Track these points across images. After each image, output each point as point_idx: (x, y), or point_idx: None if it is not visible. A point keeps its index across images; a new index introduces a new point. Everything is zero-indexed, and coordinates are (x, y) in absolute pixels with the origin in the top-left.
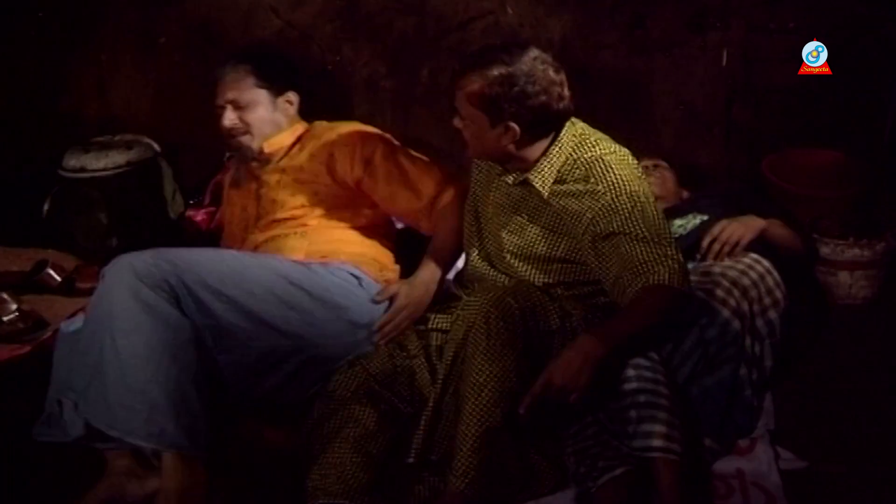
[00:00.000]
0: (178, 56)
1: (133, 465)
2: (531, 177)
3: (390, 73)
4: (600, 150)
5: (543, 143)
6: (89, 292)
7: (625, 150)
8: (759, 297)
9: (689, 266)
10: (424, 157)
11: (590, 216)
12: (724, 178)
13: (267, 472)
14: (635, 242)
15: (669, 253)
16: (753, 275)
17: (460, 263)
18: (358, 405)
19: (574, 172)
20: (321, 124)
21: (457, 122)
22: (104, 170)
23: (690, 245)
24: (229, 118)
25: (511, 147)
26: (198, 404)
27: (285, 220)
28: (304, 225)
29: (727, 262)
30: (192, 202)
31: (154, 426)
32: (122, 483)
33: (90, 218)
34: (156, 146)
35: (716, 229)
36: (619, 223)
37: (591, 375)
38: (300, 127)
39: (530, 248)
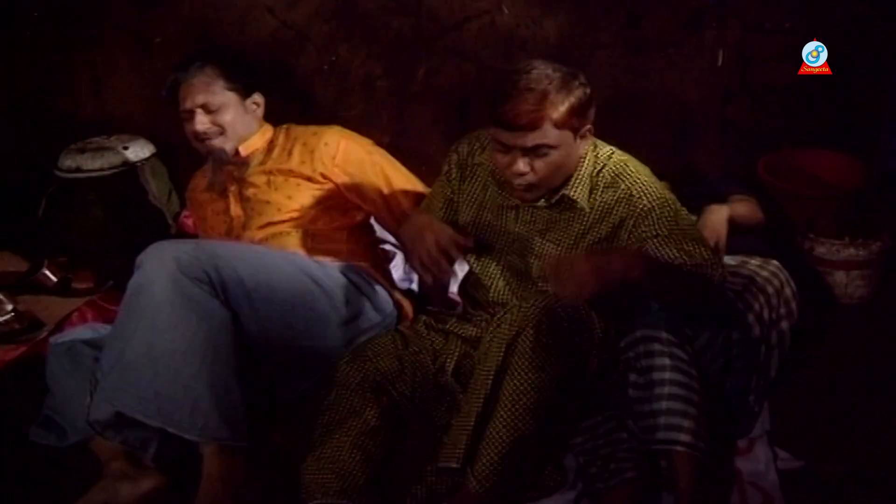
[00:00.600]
0: (174, 56)
1: (126, 467)
2: (570, 193)
3: (386, 73)
4: (618, 155)
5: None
6: (85, 293)
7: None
8: (777, 306)
9: None
10: (406, 172)
11: (631, 222)
12: None
13: (266, 472)
14: (680, 243)
15: (712, 257)
16: (776, 282)
17: (461, 273)
18: (361, 398)
19: (601, 179)
20: (299, 128)
21: (526, 163)
22: (100, 170)
23: None
24: (202, 122)
25: (581, 155)
26: (238, 396)
27: (283, 221)
28: (304, 224)
29: (756, 261)
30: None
31: (198, 419)
32: (116, 486)
33: (86, 218)
34: (152, 146)
35: None
36: (661, 226)
37: (613, 282)
38: (268, 129)
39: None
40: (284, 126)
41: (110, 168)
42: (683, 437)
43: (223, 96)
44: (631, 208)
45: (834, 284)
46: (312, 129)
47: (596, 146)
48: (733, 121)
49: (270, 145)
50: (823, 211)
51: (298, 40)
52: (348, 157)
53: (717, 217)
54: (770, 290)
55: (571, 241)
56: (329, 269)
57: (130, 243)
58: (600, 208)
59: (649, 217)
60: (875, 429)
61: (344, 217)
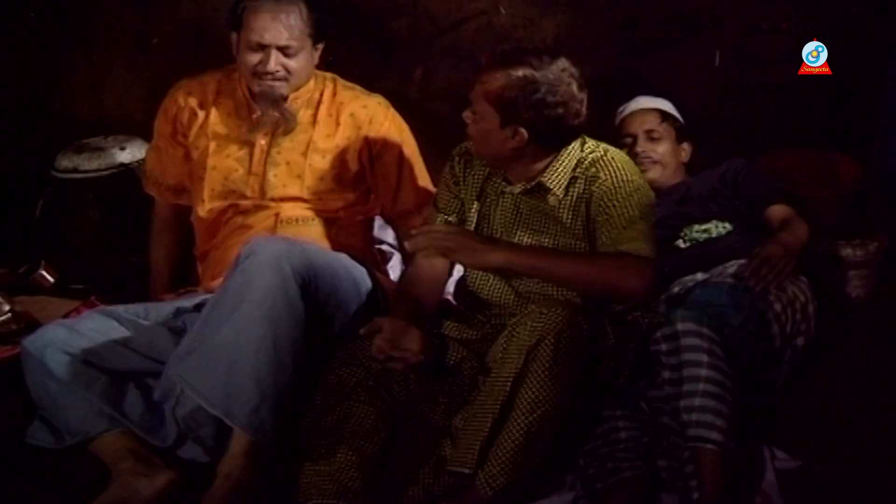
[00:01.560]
0: (171, 56)
1: (137, 465)
2: (544, 179)
3: (383, 73)
4: (604, 148)
5: (547, 155)
6: (83, 293)
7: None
8: (799, 321)
9: (731, 269)
10: (423, 168)
11: (593, 202)
12: None
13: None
14: (616, 228)
15: (646, 250)
16: (802, 298)
17: (457, 274)
18: (356, 401)
19: (582, 171)
20: (346, 89)
21: (466, 115)
22: (97, 170)
23: (720, 252)
24: (277, 63)
25: (514, 152)
26: (289, 403)
27: (306, 201)
28: (329, 213)
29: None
30: None
31: (257, 417)
32: (133, 483)
33: (83, 219)
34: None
35: (763, 253)
36: (610, 206)
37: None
38: (320, 77)
39: None
40: (329, 76)
41: (107, 168)
42: (716, 437)
43: (302, 41)
44: (594, 187)
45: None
46: (361, 98)
47: (585, 142)
48: (731, 121)
49: (317, 100)
50: (821, 211)
51: None
52: (387, 139)
53: (791, 241)
54: (797, 305)
55: (546, 231)
56: (362, 273)
57: (127, 244)
58: (574, 198)
59: (605, 196)
60: (873, 429)
61: (363, 208)
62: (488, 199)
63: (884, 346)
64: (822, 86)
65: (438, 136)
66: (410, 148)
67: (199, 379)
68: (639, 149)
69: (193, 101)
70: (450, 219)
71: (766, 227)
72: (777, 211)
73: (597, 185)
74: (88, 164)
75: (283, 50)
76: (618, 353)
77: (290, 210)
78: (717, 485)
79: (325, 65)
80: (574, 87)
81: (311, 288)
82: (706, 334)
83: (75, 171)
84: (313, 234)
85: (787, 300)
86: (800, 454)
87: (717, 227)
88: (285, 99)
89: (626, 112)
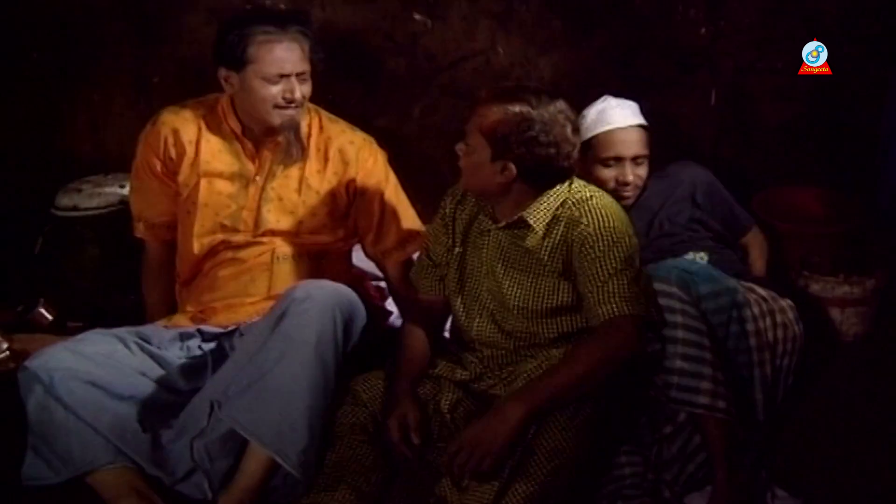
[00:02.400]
0: (171, 95)
1: (139, 501)
2: (526, 214)
3: (382, 111)
4: (591, 191)
5: (534, 194)
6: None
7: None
8: (781, 339)
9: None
10: (406, 206)
11: (573, 247)
12: None
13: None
14: (606, 274)
15: (634, 294)
16: (791, 315)
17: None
18: (357, 440)
19: (565, 212)
20: (331, 123)
21: (459, 147)
22: (96, 208)
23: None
24: (301, 90)
25: (501, 187)
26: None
27: (297, 234)
28: (320, 245)
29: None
30: None
31: (305, 457)
32: None
33: (82, 256)
34: None
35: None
36: (589, 255)
37: (509, 439)
38: (305, 108)
39: (535, 300)
40: (312, 107)
41: (106, 207)
42: (702, 399)
43: (309, 66)
44: (574, 232)
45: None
46: (348, 133)
47: (573, 183)
48: (726, 158)
49: (307, 133)
50: (817, 248)
51: None
52: (372, 176)
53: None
54: (778, 317)
55: (528, 269)
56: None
57: (126, 282)
58: (556, 240)
59: (585, 243)
60: (871, 466)
61: (352, 241)
62: (472, 239)
63: (883, 383)
64: (818, 123)
65: (435, 174)
66: (394, 186)
67: (252, 418)
68: (629, 177)
69: (181, 138)
70: (432, 255)
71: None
72: (752, 238)
73: (578, 230)
74: (88, 202)
75: (300, 76)
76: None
77: (283, 246)
78: (723, 448)
79: (324, 102)
80: (568, 129)
81: (348, 332)
82: (676, 294)
83: (75, 209)
84: (308, 270)
85: (767, 308)
86: (800, 492)
87: (700, 257)
88: (300, 127)
89: (607, 127)
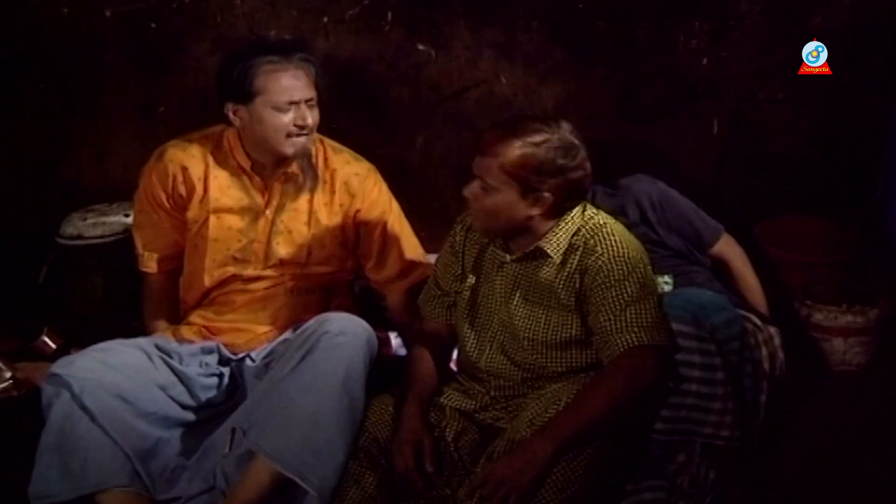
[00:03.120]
0: (176, 125)
1: None
2: (542, 244)
3: (385, 140)
4: (604, 218)
5: (555, 220)
6: None
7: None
8: (771, 366)
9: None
10: (409, 234)
11: (587, 276)
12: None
13: None
14: (622, 304)
15: (655, 322)
16: (777, 341)
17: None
18: (360, 466)
19: (579, 239)
20: (335, 153)
21: (472, 190)
22: (101, 237)
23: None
24: (313, 116)
25: (529, 221)
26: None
27: (307, 266)
28: (328, 274)
29: (757, 320)
30: None
31: (327, 482)
32: None
33: (86, 285)
34: None
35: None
36: (605, 286)
37: (536, 477)
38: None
39: (546, 331)
40: (317, 136)
41: (111, 235)
42: (707, 430)
43: (315, 93)
44: (589, 261)
45: (832, 351)
46: (352, 164)
47: (585, 208)
48: (729, 188)
49: (315, 164)
50: (820, 278)
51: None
52: (376, 206)
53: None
54: (771, 345)
55: (542, 301)
56: None
57: (130, 310)
58: (571, 269)
59: (601, 272)
60: (874, 496)
61: (351, 276)
62: (485, 271)
63: (885, 412)
64: (820, 153)
65: (439, 202)
66: (397, 215)
67: (276, 444)
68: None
69: (190, 175)
70: (441, 283)
71: (714, 262)
72: (724, 248)
73: (593, 258)
74: (93, 230)
75: (308, 102)
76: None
77: (294, 281)
78: (734, 476)
79: (328, 131)
80: (583, 148)
81: (371, 367)
82: (693, 333)
83: (79, 237)
84: (318, 302)
85: (762, 338)
86: None
87: (664, 282)
88: (311, 154)
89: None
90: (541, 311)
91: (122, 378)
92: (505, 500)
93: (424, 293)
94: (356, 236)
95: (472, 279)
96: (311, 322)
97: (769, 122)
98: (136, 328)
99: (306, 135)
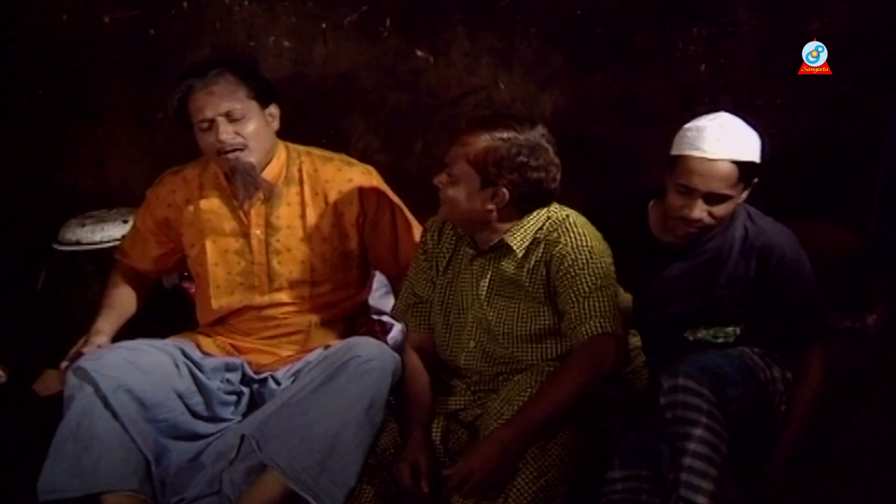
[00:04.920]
0: (174, 131)
1: None
2: (506, 237)
3: (384, 147)
4: (566, 211)
5: (517, 218)
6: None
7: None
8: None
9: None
10: (414, 223)
11: (555, 265)
12: None
13: None
14: (582, 293)
15: (610, 312)
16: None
17: None
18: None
19: (543, 233)
20: (325, 164)
21: (440, 179)
22: (100, 243)
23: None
24: (227, 131)
25: (492, 214)
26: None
27: (312, 284)
28: (346, 309)
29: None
30: (186, 273)
31: (335, 501)
32: None
33: (85, 291)
34: None
35: None
36: (567, 272)
37: (502, 464)
38: (282, 148)
39: (519, 325)
40: (303, 149)
41: (110, 241)
42: (700, 500)
43: (246, 104)
44: (554, 251)
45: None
46: (345, 171)
47: (551, 207)
48: None
49: (299, 178)
50: (819, 283)
51: (297, 115)
52: (378, 203)
53: None
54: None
55: (512, 294)
56: None
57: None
58: (534, 262)
59: (564, 261)
60: (875, 500)
61: (361, 287)
62: (457, 271)
63: (883, 418)
64: (817, 159)
65: (437, 209)
66: (398, 205)
67: (293, 463)
68: (694, 213)
69: (180, 199)
70: (417, 290)
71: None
72: (811, 362)
73: (557, 249)
74: (91, 236)
75: (229, 116)
76: (615, 407)
77: (315, 311)
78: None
79: (326, 138)
80: (552, 152)
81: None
82: (707, 396)
83: (78, 243)
84: (343, 329)
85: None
86: None
87: (734, 332)
88: (254, 168)
89: (691, 152)
90: (513, 305)
91: (145, 381)
92: (474, 491)
93: (401, 301)
94: (360, 245)
95: (443, 279)
96: (340, 344)
97: (767, 128)
98: (134, 335)
99: (235, 151)
